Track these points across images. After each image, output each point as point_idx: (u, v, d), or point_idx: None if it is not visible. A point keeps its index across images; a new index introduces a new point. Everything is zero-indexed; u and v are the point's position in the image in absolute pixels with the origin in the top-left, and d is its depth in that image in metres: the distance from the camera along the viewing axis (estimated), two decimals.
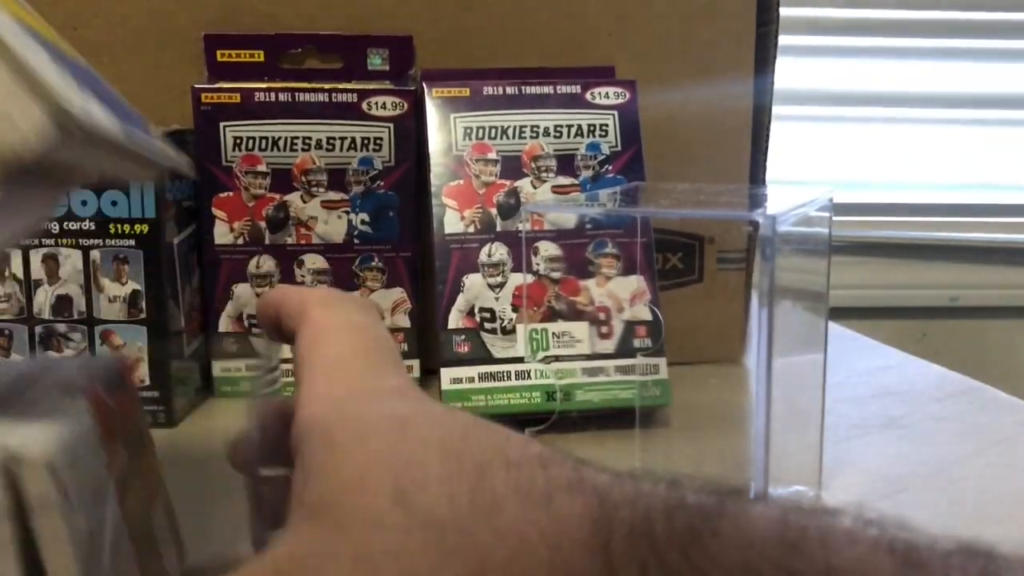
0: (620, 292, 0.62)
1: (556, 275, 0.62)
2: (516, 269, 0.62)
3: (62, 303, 0.60)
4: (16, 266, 0.59)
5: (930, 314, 1.50)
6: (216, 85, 0.65)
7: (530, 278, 0.61)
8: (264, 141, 0.64)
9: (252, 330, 0.65)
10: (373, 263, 0.65)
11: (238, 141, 0.64)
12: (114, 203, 0.59)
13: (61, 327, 0.60)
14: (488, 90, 0.65)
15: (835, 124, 1.50)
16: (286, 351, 0.31)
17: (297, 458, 0.24)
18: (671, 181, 0.69)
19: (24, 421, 0.26)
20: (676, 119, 0.70)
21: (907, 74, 1.49)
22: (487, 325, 0.60)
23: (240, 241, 0.64)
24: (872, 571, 0.18)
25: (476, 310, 0.61)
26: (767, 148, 0.73)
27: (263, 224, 0.64)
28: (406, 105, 0.65)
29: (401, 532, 0.21)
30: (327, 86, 0.65)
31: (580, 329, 0.61)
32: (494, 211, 0.63)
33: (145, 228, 0.59)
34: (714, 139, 0.72)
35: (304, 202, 0.64)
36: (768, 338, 0.40)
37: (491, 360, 0.60)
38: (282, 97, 0.64)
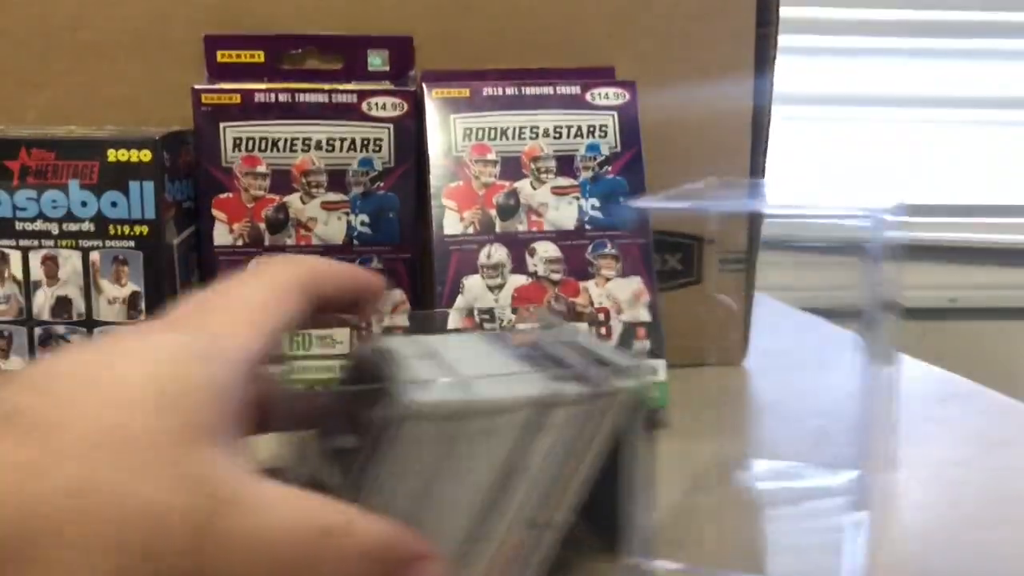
0: (619, 293, 0.62)
1: (556, 277, 0.62)
2: (516, 271, 0.62)
3: (61, 305, 0.60)
4: (15, 267, 0.59)
5: (929, 315, 1.50)
6: (216, 86, 0.65)
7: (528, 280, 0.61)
8: (264, 142, 0.64)
9: None
10: (372, 264, 0.65)
11: (238, 142, 0.64)
12: (114, 204, 0.59)
13: (60, 329, 0.60)
14: (488, 91, 0.65)
15: (834, 125, 1.50)
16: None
17: None
18: (671, 182, 0.69)
19: None
20: (676, 120, 0.70)
21: (907, 75, 1.49)
22: (486, 326, 0.60)
23: (239, 242, 0.64)
24: None
25: (475, 311, 0.61)
26: (767, 149, 0.73)
27: (262, 225, 0.64)
28: (406, 106, 0.65)
29: None
30: (327, 87, 0.65)
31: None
32: (493, 212, 0.63)
33: (145, 229, 0.59)
34: (714, 140, 0.71)
35: (304, 203, 0.64)
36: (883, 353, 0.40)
37: None
38: (282, 98, 0.64)
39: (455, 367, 0.40)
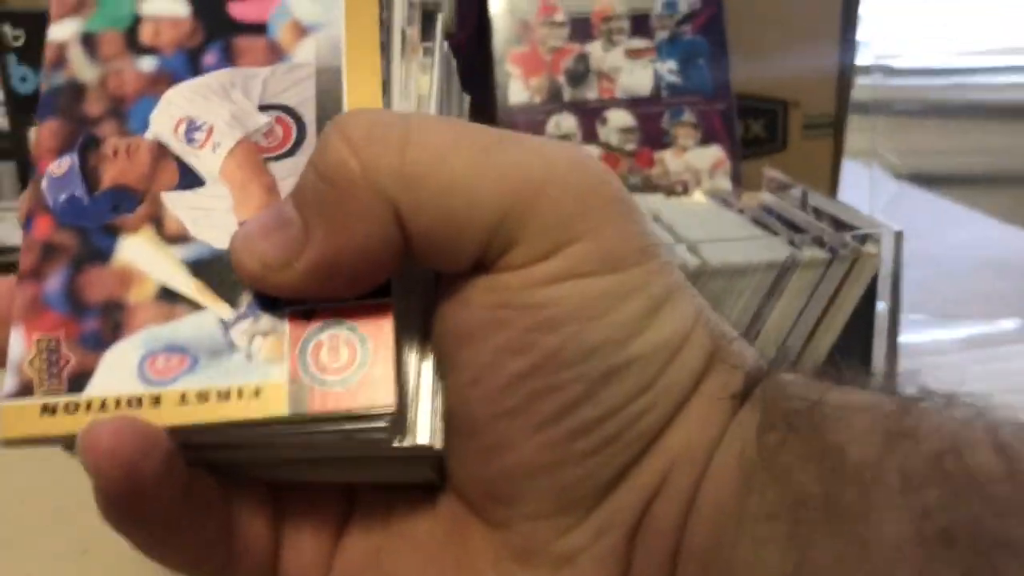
0: (698, 163, 0.58)
1: (630, 147, 0.58)
2: (586, 141, 0.58)
3: None
4: None
5: None
6: None
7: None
8: None
9: None
10: None
11: None
12: None
13: None
14: None
15: None
16: None
17: None
18: (755, 41, 0.64)
19: None
20: None
21: None
22: None
23: None
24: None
25: None
26: (859, 2, 0.67)
27: None
28: None
29: None
30: None
31: None
32: (561, 78, 0.59)
33: None
34: None
35: None
36: None
37: None
38: None
39: (681, 231, 0.38)
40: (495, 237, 0.20)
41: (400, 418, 0.21)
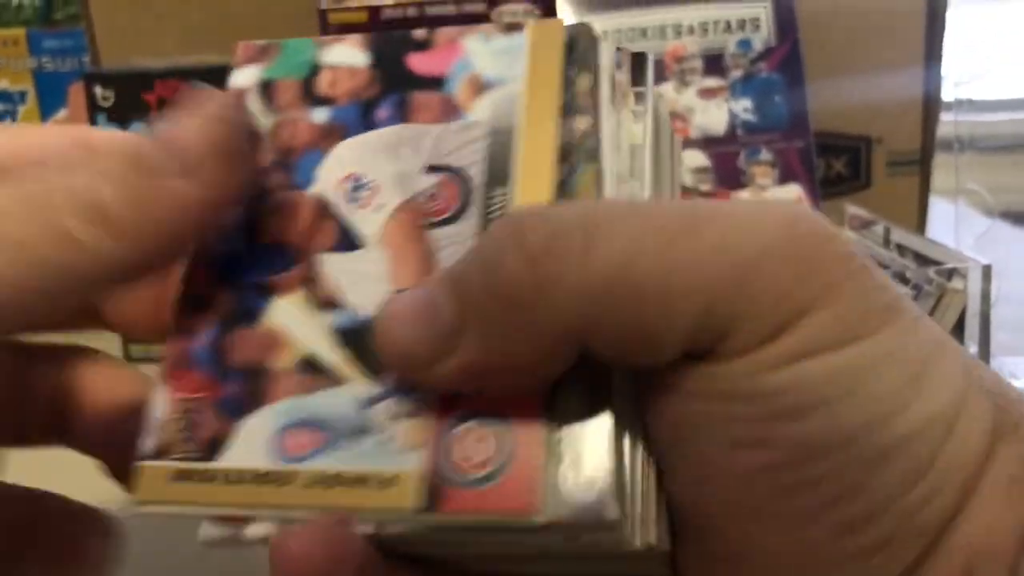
0: None
1: (705, 188, 0.58)
2: None
3: None
4: None
5: None
6: (343, 5, 0.63)
7: None
8: None
9: None
10: None
11: None
12: None
13: None
14: None
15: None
16: None
17: None
18: (833, 76, 0.62)
19: None
20: (839, 4, 0.63)
21: None
22: None
23: None
24: None
25: None
26: (943, 32, 0.65)
27: None
28: (539, 13, 0.61)
29: None
30: None
31: None
32: None
33: None
34: (882, 25, 0.64)
35: None
36: None
37: None
38: (411, 12, 0.62)
39: None
40: (702, 331, 0.18)
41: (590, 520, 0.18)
